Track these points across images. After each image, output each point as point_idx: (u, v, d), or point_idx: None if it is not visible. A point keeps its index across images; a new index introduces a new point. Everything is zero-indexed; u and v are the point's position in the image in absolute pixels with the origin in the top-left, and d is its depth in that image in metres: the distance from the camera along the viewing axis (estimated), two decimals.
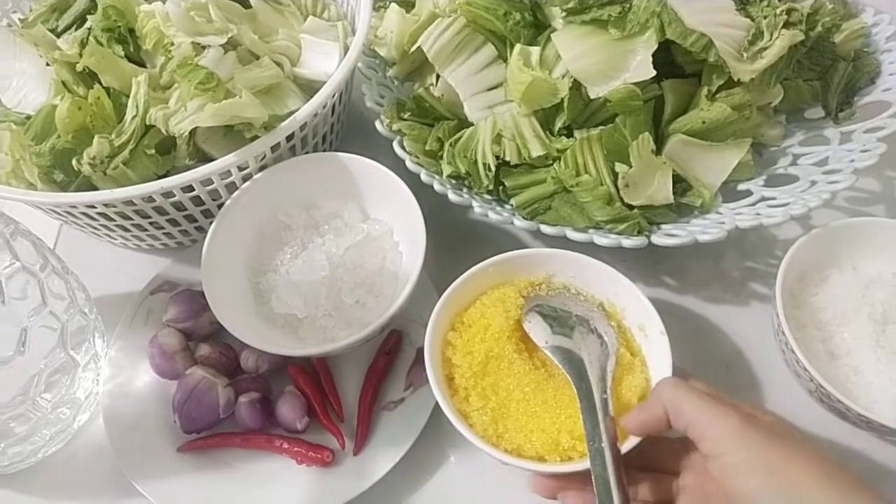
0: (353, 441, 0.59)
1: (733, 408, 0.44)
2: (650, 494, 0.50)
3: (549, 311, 0.55)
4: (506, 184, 0.65)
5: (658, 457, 0.51)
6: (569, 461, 0.49)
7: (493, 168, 0.64)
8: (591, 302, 0.57)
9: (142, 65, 0.70)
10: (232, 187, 0.64)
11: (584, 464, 0.46)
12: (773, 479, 0.40)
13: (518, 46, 0.64)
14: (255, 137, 0.62)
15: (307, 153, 0.70)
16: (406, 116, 0.68)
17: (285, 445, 0.59)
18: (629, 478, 0.46)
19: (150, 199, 0.61)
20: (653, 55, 0.59)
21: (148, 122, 0.62)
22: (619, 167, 0.61)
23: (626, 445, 0.47)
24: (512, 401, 0.52)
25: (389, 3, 0.74)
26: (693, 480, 0.48)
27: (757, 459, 0.41)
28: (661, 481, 0.50)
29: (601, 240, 0.59)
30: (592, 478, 0.45)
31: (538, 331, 0.54)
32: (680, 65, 0.64)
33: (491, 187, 0.65)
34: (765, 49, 0.60)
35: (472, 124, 0.67)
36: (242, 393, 0.60)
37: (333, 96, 0.66)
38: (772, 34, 0.60)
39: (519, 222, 0.61)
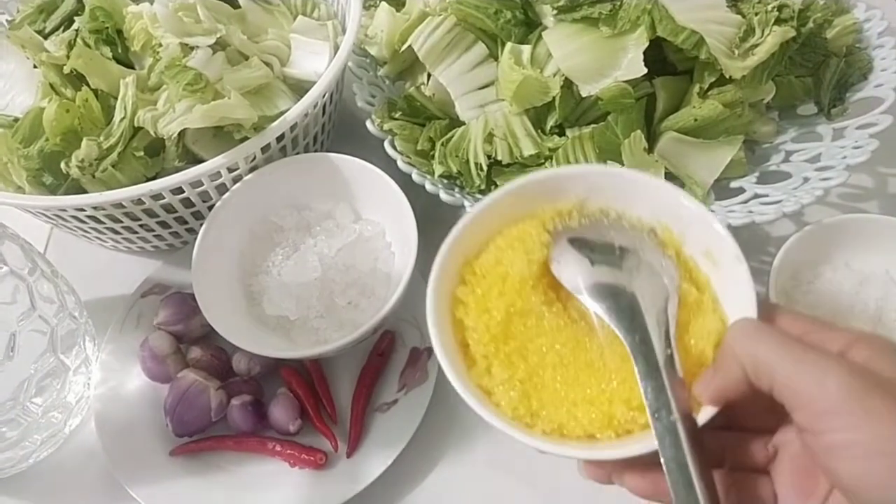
0: (346, 443, 0.58)
1: (841, 362, 0.32)
2: (737, 461, 0.38)
3: (584, 243, 0.44)
4: (498, 183, 0.65)
5: (745, 411, 0.38)
6: (627, 435, 0.38)
7: (484, 167, 0.64)
8: (639, 228, 0.45)
9: (130, 66, 0.69)
10: (222, 189, 0.64)
11: (650, 443, 0.35)
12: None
13: (509, 45, 0.64)
14: (245, 138, 0.62)
15: (298, 154, 0.69)
16: (397, 116, 0.68)
17: (278, 448, 0.58)
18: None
19: (139, 201, 0.61)
20: (644, 53, 0.59)
21: (136, 124, 0.61)
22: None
23: (704, 415, 0.36)
24: (546, 367, 0.41)
25: (379, 1, 0.73)
26: (793, 438, 0.36)
27: (875, 439, 0.29)
28: (751, 443, 0.39)
29: None
30: (663, 463, 0.34)
31: (572, 270, 0.43)
32: (671, 62, 0.64)
33: (483, 187, 0.64)
34: (756, 46, 0.60)
35: (463, 123, 0.67)
36: (234, 396, 0.60)
37: (324, 96, 0.66)
38: (763, 31, 0.60)
39: None
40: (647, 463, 0.36)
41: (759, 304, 0.37)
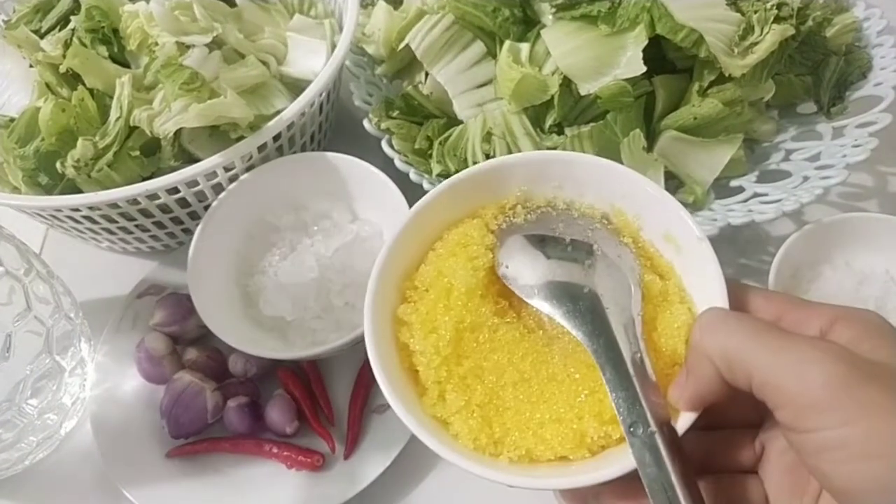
0: (343, 445, 0.58)
1: (824, 348, 0.28)
2: (722, 464, 0.35)
3: (533, 241, 0.40)
4: None
5: (726, 407, 0.34)
6: (601, 452, 0.35)
7: None
8: (590, 216, 0.41)
9: (126, 65, 0.69)
10: (218, 188, 0.64)
11: (627, 461, 0.32)
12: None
13: (507, 43, 0.63)
14: (242, 138, 0.61)
15: (295, 153, 0.69)
16: (395, 115, 0.67)
17: (275, 450, 0.58)
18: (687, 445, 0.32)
19: (135, 201, 0.61)
20: (643, 51, 0.58)
21: (132, 124, 0.61)
22: None
23: (683, 423, 0.33)
24: (506, 386, 0.37)
25: (377, 0, 0.73)
26: (780, 432, 0.33)
27: (870, 436, 0.26)
28: (735, 442, 0.36)
29: None
30: (644, 484, 0.31)
31: (522, 273, 0.39)
32: (671, 60, 0.64)
33: None
34: (756, 44, 0.60)
35: (461, 122, 0.67)
36: (231, 397, 0.59)
37: (321, 95, 0.65)
38: (762, 29, 0.60)
39: None
40: (627, 480, 0.32)
41: (729, 286, 0.34)
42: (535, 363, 0.38)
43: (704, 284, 0.36)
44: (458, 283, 0.39)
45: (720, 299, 0.34)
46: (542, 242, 0.40)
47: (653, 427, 0.32)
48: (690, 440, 0.33)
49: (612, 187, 0.41)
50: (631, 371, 0.33)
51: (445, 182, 0.41)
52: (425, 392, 0.38)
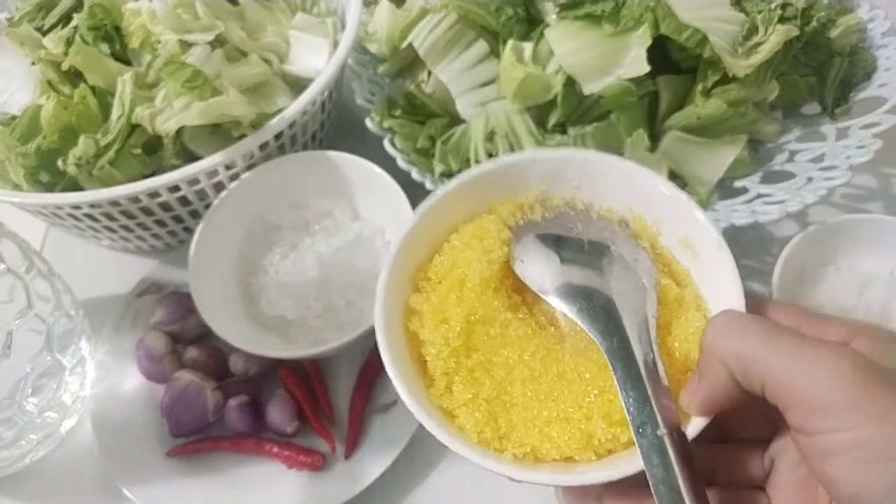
0: (344, 445, 0.58)
1: (841, 351, 0.27)
2: (730, 477, 0.35)
3: (550, 239, 0.40)
4: None
5: (737, 420, 0.35)
6: (608, 456, 0.35)
7: None
8: (609, 219, 0.41)
9: (128, 63, 0.68)
10: (220, 187, 0.63)
11: (635, 463, 0.32)
12: None
13: (511, 42, 0.63)
14: (243, 136, 0.61)
15: (297, 152, 0.69)
16: (397, 114, 0.67)
17: (275, 449, 0.58)
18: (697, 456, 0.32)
19: (136, 199, 0.60)
20: (647, 51, 0.58)
21: (134, 122, 0.61)
22: None
23: (693, 428, 0.33)
24: (514, 381, 0.37)
25: None
26: (790, 447, 0.33)
27: (882, 439, 0.25)
28: (744, 455, 0.35)
29: None
30: (651, 485, 0.31)
31: (538, 269, 0.39)
32: (675, 60, 0.63)
33: None
34: (760, 44, 0.59)
35: (464, 121, 0.66)
36: (231, 396, 0.59)
37: (323, 93, 0.65)
38: (766, 29, 0.59)
39: None
40: (632, 484, 0.32)
41: (747, 297, 0.34)
42: (545, 360, 0.37)
43: (722, 293, 0.36)
44: (472, 275, 0.39)
45: (737, 307, 0.34)
46: (559, 243, 0.40)
47: (662, 429, 0.32)
48: (697, 451, 0.32)
49: (628, 190, 0.40)
50: (643, 371, 0.33)
51: (461, 175, 0.42)
52: (433, 383, 0.38)
